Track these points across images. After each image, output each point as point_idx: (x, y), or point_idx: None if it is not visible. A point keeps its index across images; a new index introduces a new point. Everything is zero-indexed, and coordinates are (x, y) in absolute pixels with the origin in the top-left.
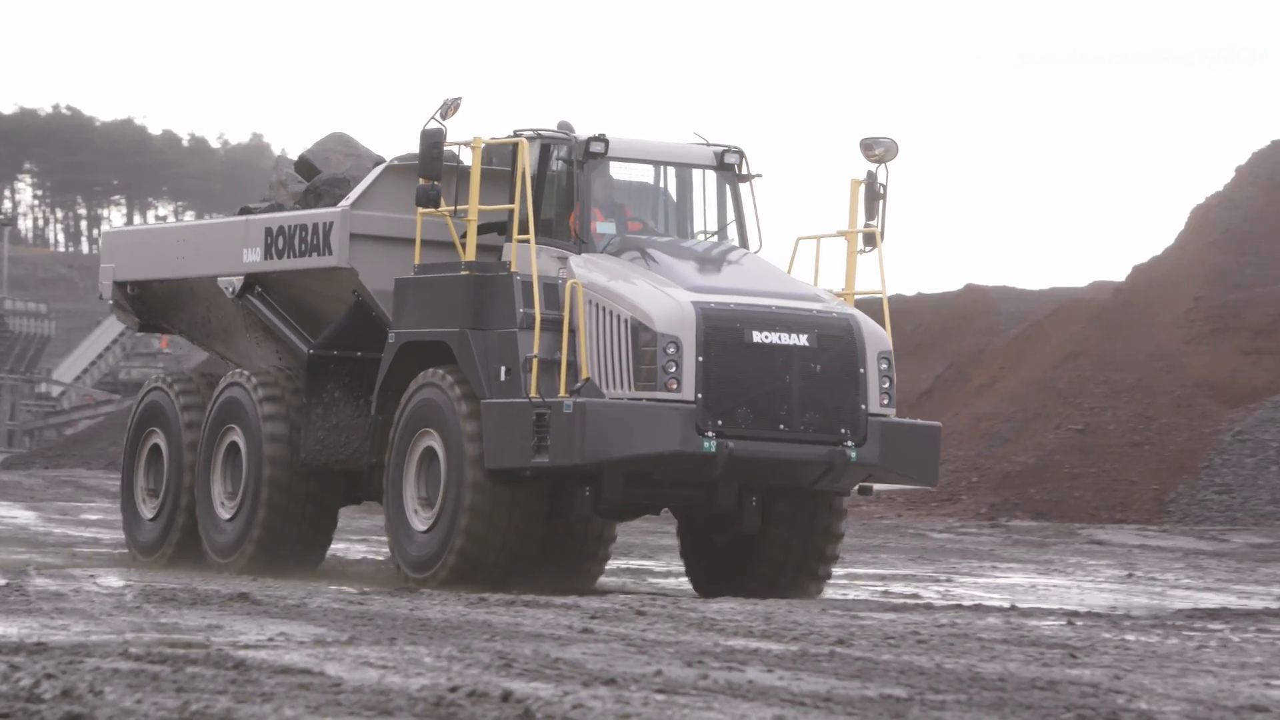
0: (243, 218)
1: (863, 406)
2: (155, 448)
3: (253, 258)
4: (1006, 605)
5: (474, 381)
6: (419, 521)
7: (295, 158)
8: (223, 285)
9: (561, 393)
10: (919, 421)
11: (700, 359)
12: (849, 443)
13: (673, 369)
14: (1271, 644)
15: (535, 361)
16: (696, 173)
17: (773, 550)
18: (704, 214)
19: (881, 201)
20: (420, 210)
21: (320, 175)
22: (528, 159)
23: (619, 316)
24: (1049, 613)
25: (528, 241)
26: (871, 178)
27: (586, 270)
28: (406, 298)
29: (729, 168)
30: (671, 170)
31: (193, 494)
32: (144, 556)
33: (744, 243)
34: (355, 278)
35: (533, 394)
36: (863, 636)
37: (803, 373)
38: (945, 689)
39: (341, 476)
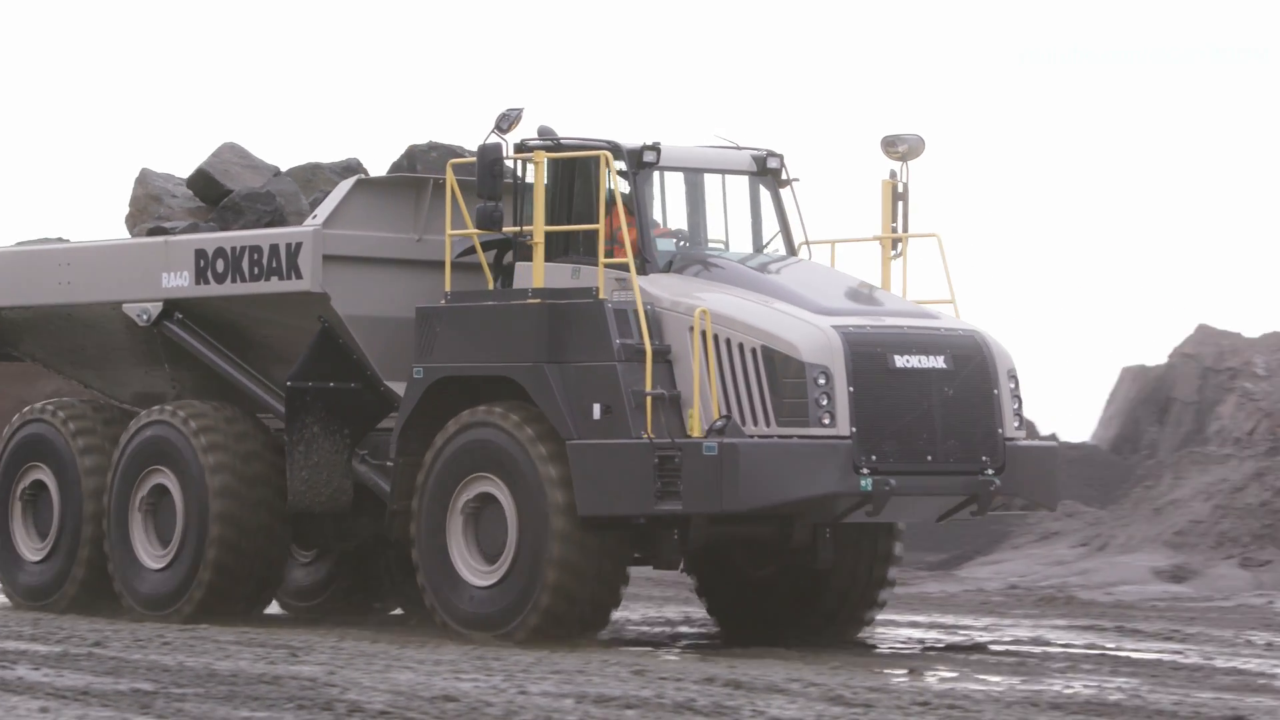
0: (160, 239)
1: (999, 430)
2: (38, 484)
3: (178, 282)
4: None
5: (555, 420)
6: (478, 576)
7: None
8: (131, 312)
9: (696, 431)
10: (1038, 442)
11: (851, 389)
12: (989, 470)
13: (824, 402)
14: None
15: (649, 399)
16: (740, 179)
17: (840, 581)
18: (751, 222)
19: (903, 203)
20: (478, 232)
21: (240, 190)
22: (605, 173)
23: (744, 345)
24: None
25: (588, 262)
26: (894, 177)
27: (673, 293)
28: (440, 327)
29: (773, 173)
30: (714, 177)
31: (95, 540)
32: (29, 601)
33: (790, 250)
34: (326, 303)
35: (648, 433)
36: (115, 639)
37: (941, 398)
38: (186, 684)
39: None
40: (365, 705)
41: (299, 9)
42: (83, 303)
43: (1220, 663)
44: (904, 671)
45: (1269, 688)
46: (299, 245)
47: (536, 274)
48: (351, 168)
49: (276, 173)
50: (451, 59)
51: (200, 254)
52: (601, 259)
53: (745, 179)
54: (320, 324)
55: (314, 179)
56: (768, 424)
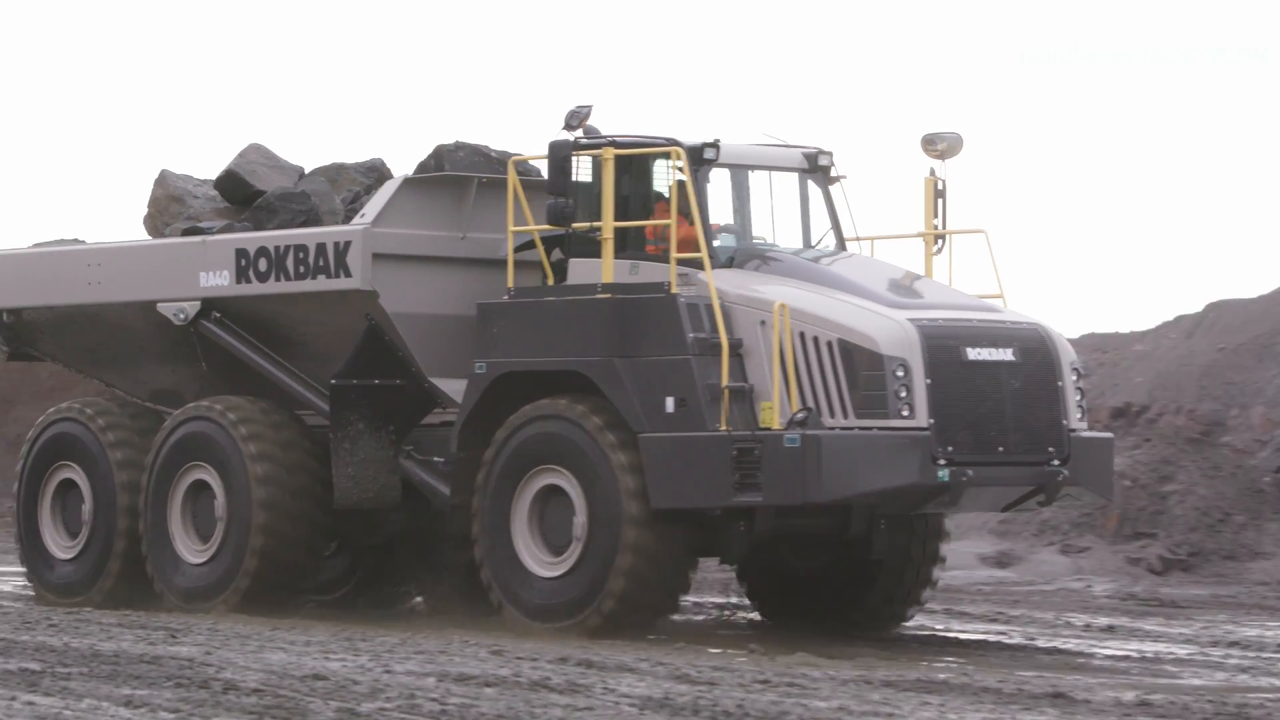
0: (197, 239)
1: (1064, 422)
2: (67, 483)
3: (217, 281)
4: None
5: (626, 413)
6: (545, 567)
7: (205, 174)
8: (167, 311)
9: (774, 423)
10: (1098, 434)
11: (928, 382)
12: (1055, 461)
13: (903, 394)
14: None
15: (727, 392)
16: (789, 176)
17: (889, 574)
18: (800, 219)
19: (942, 200)
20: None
21: (274, 190)
22: (676, 170)
23: (819, 338)
24: None
25: (645, 258)
26: (933, 175)
27: (740, 287)
28: (503, 323)
29: (823, 170)
30: (761, 174)
31: (130, 536)
32: (61, 598)
33: (841, 246)
34: (374, 301)
35: (723, 426)
36: (4, 621)
37: (1010, 389)
38: (71, 664)
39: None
40: (240, 684)
41: (315, 9)
42: (113, 302)
43: (1042, 643)
44: (746, 650)
45: (1087, 666)
46: (348, 244)
47: (605, 269)
48: (376, 168)
49: (302, 173)
50: (471, 58)
51: (241, 253)
52: (674, 254)
53: (794, 176)
54: (367, 321)
55: (339, 179)
56: (845, 416)
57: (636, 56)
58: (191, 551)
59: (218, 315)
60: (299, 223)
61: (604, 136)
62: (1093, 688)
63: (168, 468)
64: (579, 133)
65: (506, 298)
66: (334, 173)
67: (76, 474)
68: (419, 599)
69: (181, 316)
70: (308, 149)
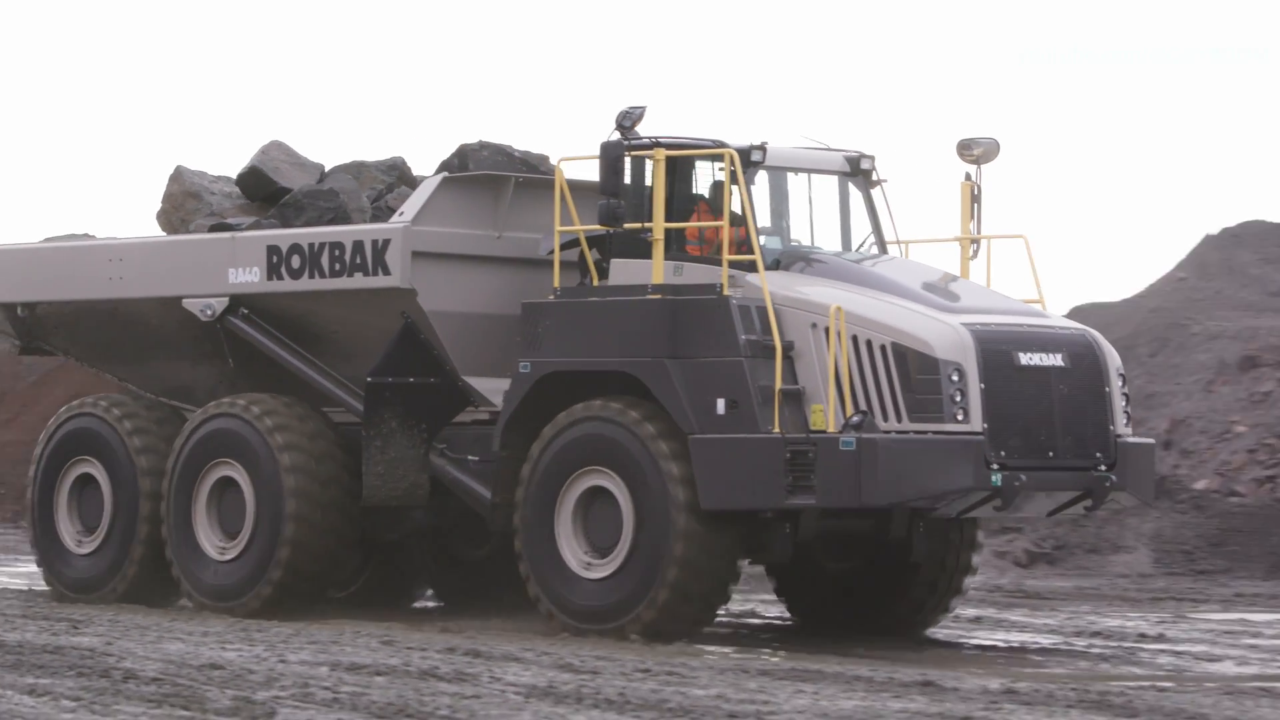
0: (226, 235)
1: (1111, 428)
2: (86, 477)
3: (247, 278)
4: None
5: (676, 414)
6: (587, 569)
7: (218, 171)
8: (193, 307)
9: (825, 426)
10: (1139, 439)
11: (982, 386)
12: (1102, 466)
13: (958, 398)
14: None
15: (779, 394)
16: (830, 179)
17: (928, 571)
18: (840, 221)
19: (977, 204)
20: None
21: (303, 187)
22: (739, 172)
23: (872, 341)
24: None
25: (688, 259)
26: (969, 179)
27: (789, 289)
28: (549, 322)
29: (865, 173)
30: (801, 177)
31: (151, 532)
32: (76, 594)
33: (883, 249)
34: (412, 299)
35: (776, 428)
36: None
37: (1060, 395)
38: None
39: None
40: (139, 673)
41: (327, 7)
42: (136, 298)
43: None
44: (632, 639)
45: (955, 656)
46: (387, 242)
47: (656, 270)
48: (397, 166)
49: (322, 171)
50: (487, 57)
51: (273, 250)
52: (726, 256)
53: (834, 179)
54: (402, 319)
55: (360, 177)
56: (898, 419)
57: (657, 58)
58: (218, 549)
59: (245, 312)
60: (326, 220)
61: (645, 138)
62: (961, 676)
63: (192, 465)
64: (630, 133)
65: (552, 297)
66: (355, 171)
67: (95, 468)
68: (429, 594)
69: (209, 312)
70: (322, 147)
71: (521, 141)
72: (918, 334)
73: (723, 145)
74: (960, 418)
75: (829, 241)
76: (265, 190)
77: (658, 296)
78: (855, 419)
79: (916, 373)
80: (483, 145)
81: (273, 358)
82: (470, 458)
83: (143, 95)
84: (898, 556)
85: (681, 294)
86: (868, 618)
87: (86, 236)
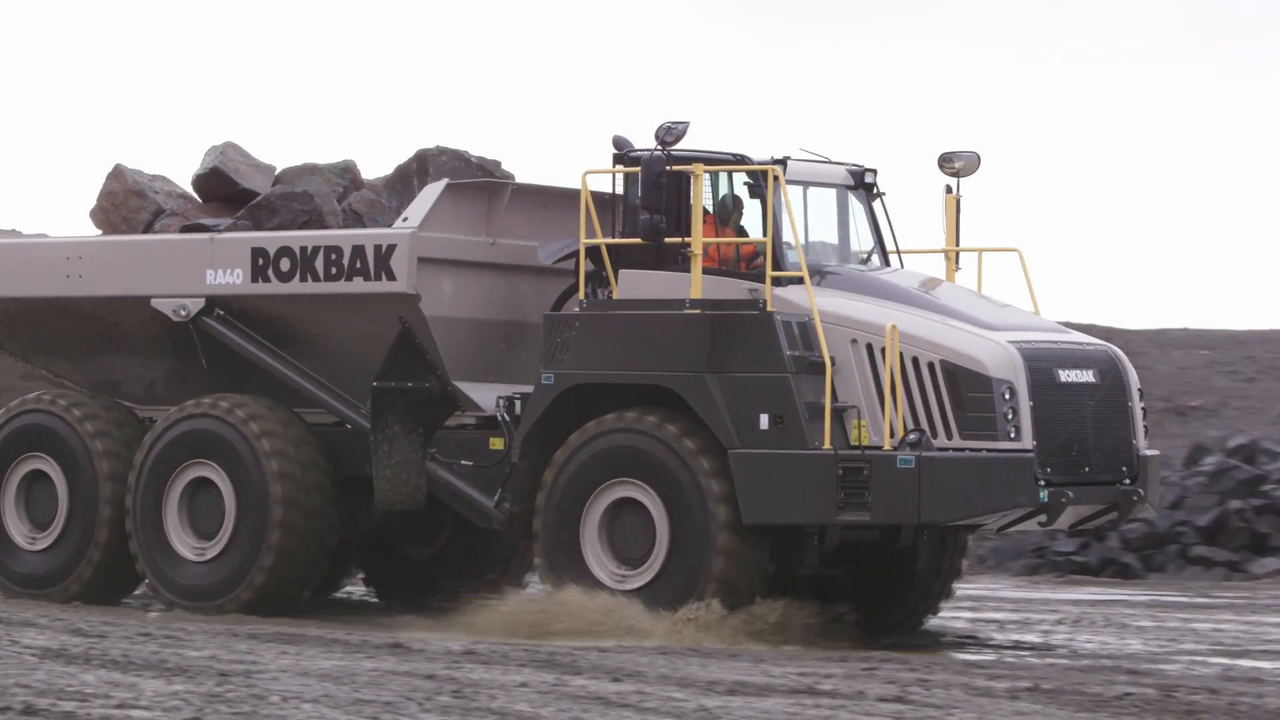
0: (204, 236)
1: (1134, 442)
2: (36, 474)
3: (228, 279)
4: None
5: (717, 429)
6: (614, 580)
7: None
8: (165, 307)
9: (885, 443)
10: (1150, 452)
11: (1031, 404)
12: (1126, 481)
13: (1010, 416)
14: None
15: (829, 410)
16: (828, 192)
17: (920, 585)
18: (845, 234)
19: (957, 218)
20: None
21: (277, 189)
22: (783, 189)
23: (918, 359)
24: None
25: (729, 274)
26: (950, 192)
27: (833, 306)
28: (574, 334)
29: (868, 187)
30: (812, 191)
31: (114, 526)
32: (26, 589)
33: (885, 262)
34: (414, 305)
35: (827, 444)
36: None
37: (1091, 411)
38: None
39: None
40: None
41: (254, 7)
42: (95, 296)
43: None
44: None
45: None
46: (392, 247)
47: (695, 285)
48: (349, 169)
49: (273, 172)
50: (424, 59)
51: (259, 252)
52: (769, 271)
53: (835, 192)
54: (400, 324)
55: (311, 178)
56: (948, 437)
57: (618, 65)
58: (192, 549)
59: (221, 313)
60: (300, 223)
61: (634, 149)
62: (427, 639)
63: (163, 465)
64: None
65: (578, 309)
66: (307, 173)
67: (48, 465)
68: (359, 589)
69: (182, 313)
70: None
71: (457, 145)
72: (969, 352)
73: (743, 159)
74: (1013, 435)
75: (830, 255)
76: (225, 191)
77: (696, 311)
78: (912, 436)
79: (968, 391)
80: (441, 150)
81: (251, 360)
82: (464, 462)
83: (69, 93)
84: (899, 563)
85: (722, 309)
86: (865, 620)
87: (15, 233)
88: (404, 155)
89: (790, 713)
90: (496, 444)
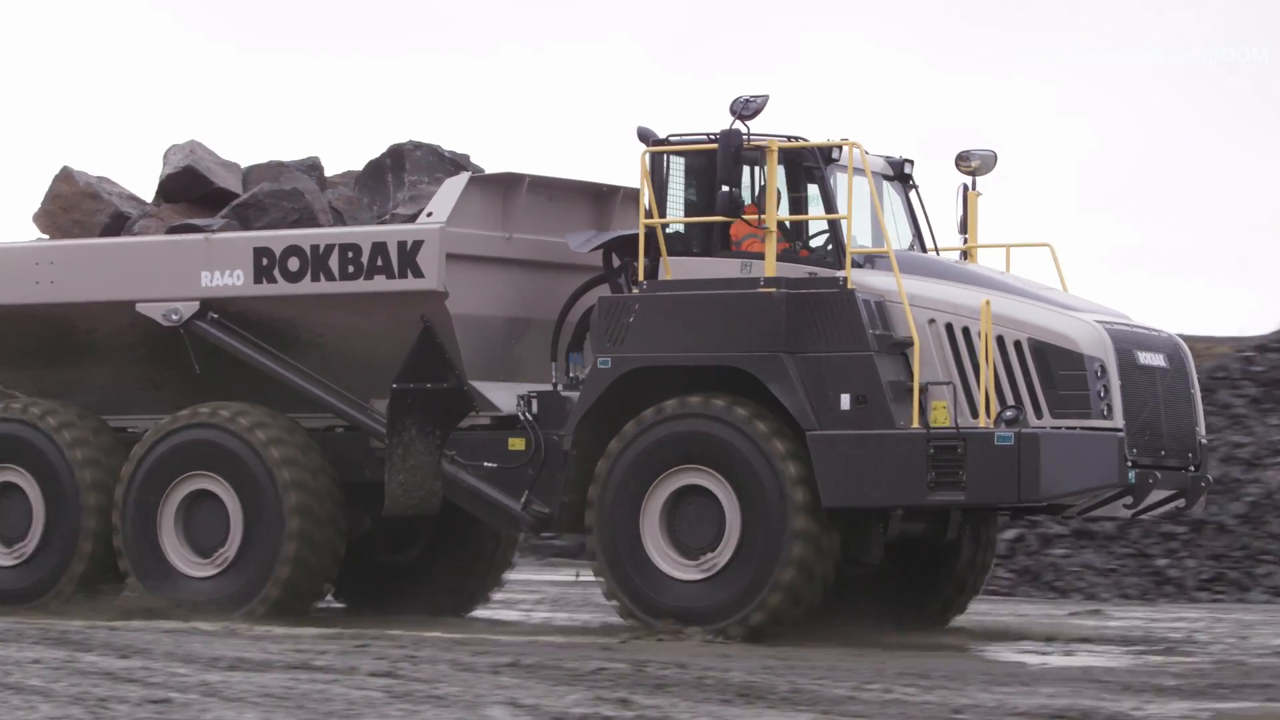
0: (198, 236)
1: (1197, 429)
2: (9, 486)
3: (228, 281)
4: None
5: (795, 410)
6: (679, 569)
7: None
8: (153, 312)
9: (982, 421)
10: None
11: (1120, 383)
12: (1192, 467)
13: (1103, 394)
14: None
15: (917, 389)
16: (880, 181)
17: (956, 579)
18: (877, 222)
19: (970, 214)
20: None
21: (264, 187)
22: (867, 168)
23: (1004, 338)
24: None
25: (785, 258)
26: (965, 191)
27: (906, 284)
28: (635, 316)
29: (906, 177)
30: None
31: (99, 538)
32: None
33: (923, 251)
34: (440, 303)
35: (915, 423)
36: None
37: (1164, 394)
38: None
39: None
40: None
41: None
42: (72, 302)
43: None
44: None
45: None
46: (418, 243)
47: (769, 264)
48: (316, 166)
49: (240, 171)
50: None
51: (263, 252)
52: (849, 250)
53: (876, 181)
54: (423, 323)
55: (280, 177)
56: (1038, 416)
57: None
58: (191, 564)
59: (215, 316)
60: (291, 221)
61: (658, 138)
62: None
63: (157, 478)
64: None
65: (638, 290)
66: (274, 170)
67: (20, 476)
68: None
69: (174, 317)
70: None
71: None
72: (1060, 330)
73: (786, 138)
74: (1106, 413)
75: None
76: (198, 191)
77: (773, 290)
78: (1009, 414)
79: (1060, 368)
80: (415, 145)
81: (248, 364)
82: (486, 464)
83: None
84: (940, 557)
85: (800, 286)
86: (901, 614)
87: None
88: (348, 152)
89: (287, 687)
90: (516, 444)
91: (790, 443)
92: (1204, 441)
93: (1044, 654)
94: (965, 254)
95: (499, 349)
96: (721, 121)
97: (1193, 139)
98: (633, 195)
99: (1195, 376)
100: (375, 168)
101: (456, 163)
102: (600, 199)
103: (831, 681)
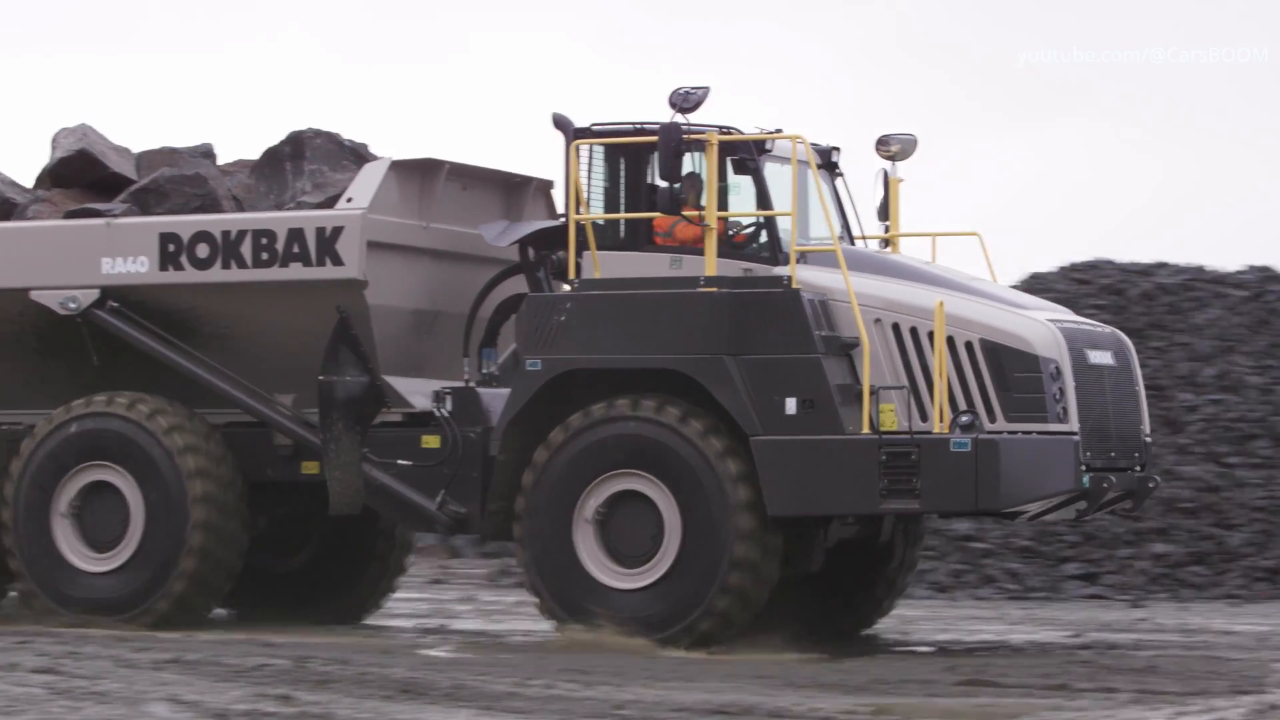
0: (99, 221)
1: (1142, 427)
2: None
3: (131, 268)
4: None
5: (739, 415)
6: (621, 580)
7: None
8: (49, 300)
9: (936, 426)
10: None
11: (1074, 384)
12: (1138, 468)
13: (1059, 397)
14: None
15: (867, 393)
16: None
17: (886, 580)
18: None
19: (891, 200)
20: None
21: (165, 172)
22: (811, 160)
23: (955, 338)
24: None
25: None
26: (885, 176)
27: (837, 283)
28: (566, 316)
29: (833, 166)
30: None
31: None
32: None
33: (851, 241)
34: (359, 291)
35: (865, 428)
36: None
37: (1111, 394)
38: None
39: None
40: None
41: None
42: None
43: None
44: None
45: None
46: (338, 230)
47: (709, 263)
48: (208, 152)
49: (133, 156)
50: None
51: (169, 238)
52: (794, 248)
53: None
54: (338, 314)
55: (173, 163)
56: (991, 420)
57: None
58: (89, 560)
59: (115, 305)
60: (194, 208)
61: (575, 126)
62: None
63: (49, 472)
64: (693, 116)
65: (569, 289)
66: (166, 157)
67: None
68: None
69: (72, 306)
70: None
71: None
72: (1013, 330)
73: (729, 129)
74: (1061, 416)
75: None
76: (90, 176)
77: (713, 290)
78: (965, 419)
79: (1014, 370)
80: (316, 132)
81: (152, 356)
82: (401, 462)
83: None
84: (879, 556)
85: (742, 286)
86: (831, 618)
87: None
88: (236, 141)
89: None
90: (431, 441)
91: (727, 440)
92: (1149, 440)
93: (709, 650)
94: (887, 243)
95: (411, 342)
96: (628, 110)
97: (1193, 139)
98: (545, 188)
99: (1139, 373)
100: (273, 155)
101: (357, 151)
102: (512, 190)
103: (493, 677)
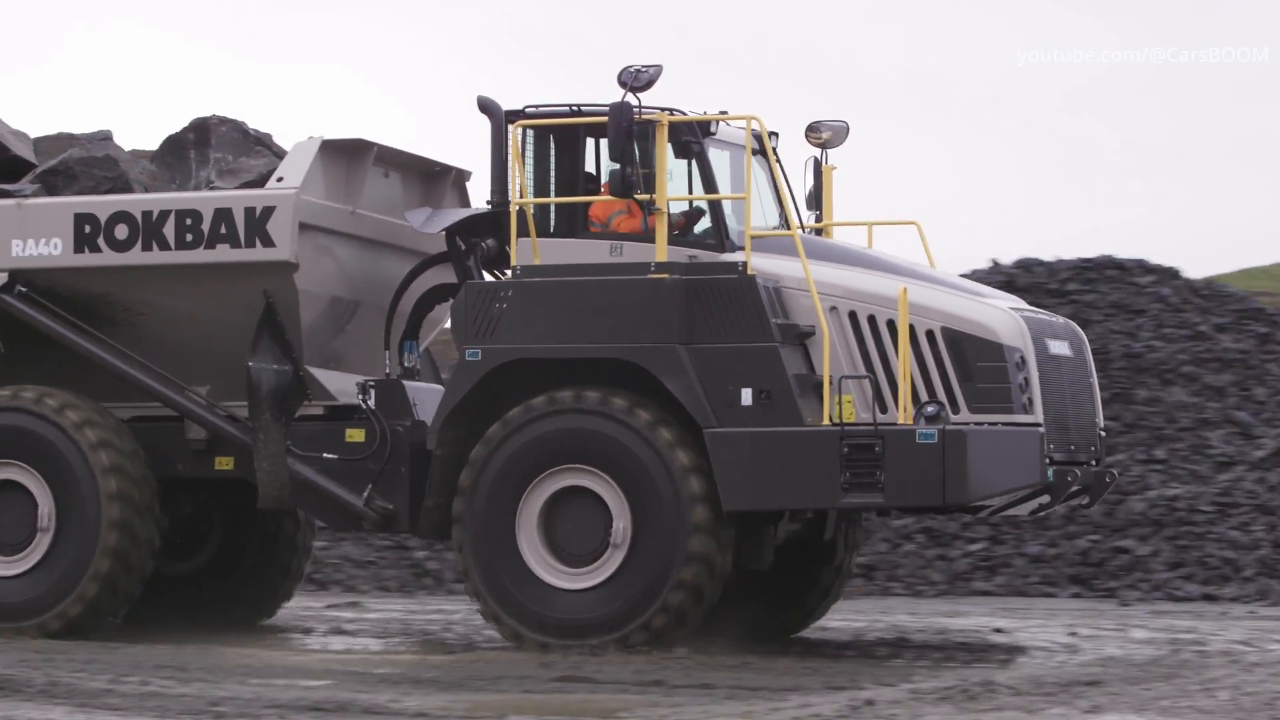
0: (10, 201)
1: (1097, 420)
2: None
3: (44, 250)
4: None
5: (692, 406)
6: (564, 579)
7: None
8: None
9: (900, 417)
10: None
11: (1039, 374)
12: (1094, 462)
13: (1024, 387)
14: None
15: (827, 383)
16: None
17: (827, 579)
18: (760, 200)
19: (821, 190)
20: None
21: (74, 153)
22: (766, 143)
23: (916, 327)
24: None
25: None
26: (817, 164)
27: (791, 270)
28: (509, 304)
29: (771, 150)
30: (729, 154)
31: None
32: None
33: (787, 226)
34: (289, 275)
35: (826, 420)
36: None
37: (1069, 385)
38: None
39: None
40: None
41: None
42: None
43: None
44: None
45: None
46: (269, 210)
47: (660, 249)
48: (107, 139)
49: (30, 141)
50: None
51: (85, 219)
52: (749, 232)
53: (727, 154)
54: (265, 299)
55: (71, 148)
56: (954, 410)
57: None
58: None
59: (24, 290)
60: (104, 190)
61: (504, 110)
62: None
63: None
64: (641, 97)
65: (512, 275)
66: (65, 142)
67: None
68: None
69: None
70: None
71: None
72: (977, 319)
73: (667, 110)
74: (1027, 407)
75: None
76: None
77: (665, 276)
78: (931, 410)
79: (978, 360)
80: (220, 120)
81: (64, 344)
82: (326, 455)
83: None
84: (820, 555)
85: (695, 272)
86: (776, 616)
87: None
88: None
89: None
90: (355, 435)
91: (677, 431)
92: (1103, 434)
93: (305, 646)
94: (820, 231)
95: (333, 333)
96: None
97: (1192, 139)
98: (462, 179)
99: (1093, 365)
100: (175, 143)
101: (261, 140)
102: (430, 179)
103: (89, 674)
